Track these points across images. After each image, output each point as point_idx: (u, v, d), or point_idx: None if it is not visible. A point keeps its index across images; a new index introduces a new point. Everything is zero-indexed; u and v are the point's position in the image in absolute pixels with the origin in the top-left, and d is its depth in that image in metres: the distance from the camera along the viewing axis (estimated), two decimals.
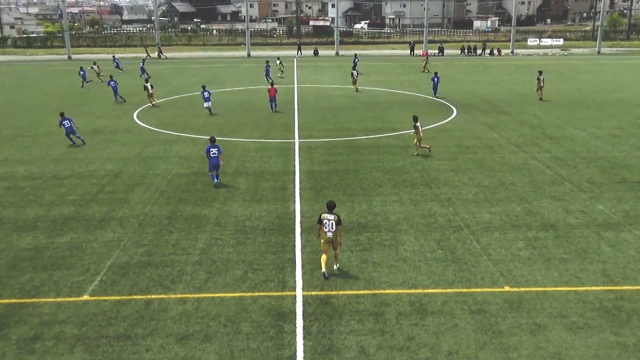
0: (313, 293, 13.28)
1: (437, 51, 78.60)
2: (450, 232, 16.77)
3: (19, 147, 27.45)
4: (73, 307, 12.83)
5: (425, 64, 55.59)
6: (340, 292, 13.30)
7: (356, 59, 56.32)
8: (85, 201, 19.73)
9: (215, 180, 21.11)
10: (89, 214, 18.56)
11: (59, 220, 18.05)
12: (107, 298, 13.20)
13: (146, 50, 74.93)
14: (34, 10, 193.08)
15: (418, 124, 24.73)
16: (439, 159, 24.36)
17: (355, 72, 45.25)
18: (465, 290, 13.37)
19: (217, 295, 13.27)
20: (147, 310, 12.63)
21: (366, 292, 13.33)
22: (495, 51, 79.14)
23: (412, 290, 13.36)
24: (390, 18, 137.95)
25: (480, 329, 11.78)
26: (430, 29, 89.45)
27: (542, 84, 39.31)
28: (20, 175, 22.85)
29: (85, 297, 13.24)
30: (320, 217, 14.09)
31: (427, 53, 70.29)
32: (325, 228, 13.90)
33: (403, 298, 13.03)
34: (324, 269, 13.92)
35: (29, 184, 21.73)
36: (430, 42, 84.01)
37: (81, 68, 50.45)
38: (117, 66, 59.30)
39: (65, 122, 27.33)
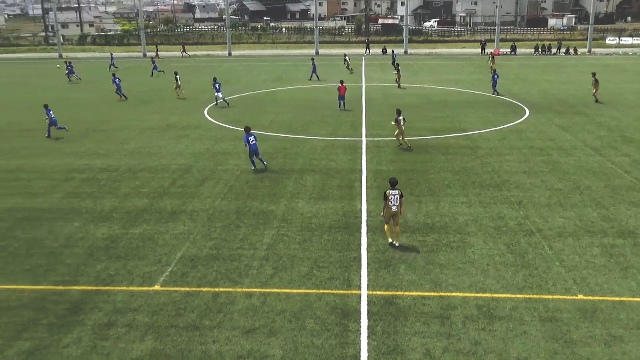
0: (378, 293, 13.21)
1: (509, 50, 76.65)
2: (520, 236, 16.30)
3: (96, 141, 28.60)
4: (145, 296, 13.26)
5: (491, 62, 54.14)
6: (406, 293, 13.17)
7: (395, 55, 56.32)
8: (158, 194, 20.35)
9: (263, 163, 22.98)
10: (161, 206, 19.13)
11: (133, 212, 18.69)
12: (177, 289, 13.57)
13: (156, 49, 75.81)
14: (112, 9, 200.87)
15: (400, 117, 25.61)
16: (510, 161, 23.75)
17: (396, 68, 45.37)
18: (535, 296, 12.97)
19: (283, 290, 13.41)
20: (215, 303, 12.90)
21: (432, 294, 13.15)
22: (571, 50, 76.42)
23: (480, 294, 13.08)
24: (460, 16, 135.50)
25: (551, 337, 11.39)
26: (502, 27, 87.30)
27: (596, 85, 37.47)
28: (97, 167, 23.81)
29: (157, 287, 13.66)
30: (385, 193, 15.49)
31: (498, 52, 68.69)
32: (391, 202, 15.32)
33: (470, 302, 12.77)
34: (390, 240, 15.65)
35: (106, 176, 22.60)
36: (502, 40, 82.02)
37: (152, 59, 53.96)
38: (112, 64, 60.95)
39: (49, 112, 29.48)
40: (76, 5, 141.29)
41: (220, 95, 37.52)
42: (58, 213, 18.69)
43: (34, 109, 38.04)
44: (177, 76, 42.29)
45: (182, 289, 13.58)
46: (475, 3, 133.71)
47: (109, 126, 32.16)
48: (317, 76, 49.88)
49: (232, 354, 11.04)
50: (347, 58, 57.77)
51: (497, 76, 41.27)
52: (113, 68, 59.66)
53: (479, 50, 77.32)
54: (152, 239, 16.50)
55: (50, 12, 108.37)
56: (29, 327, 12.09)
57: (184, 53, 77.93)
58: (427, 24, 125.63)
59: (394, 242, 15.65)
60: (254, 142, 22.58)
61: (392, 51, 61.80)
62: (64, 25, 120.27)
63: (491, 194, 19.78)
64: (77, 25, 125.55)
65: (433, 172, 22.43)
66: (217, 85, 37.48)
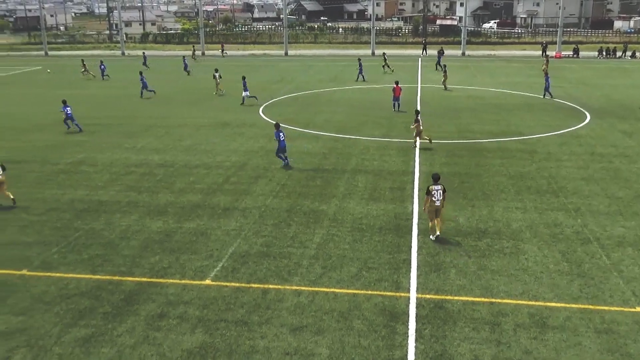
0: (427, 296, 13.09)
1: (571, 52, 74.50)
2: (577, 244, 15.84)
3: (154, 137, 29.35)
4: (196, 290, 13.54)
5: (544, 65, 52.51)
6: (456, 298, 13.00)
7: (440, 56, 55.34)
8: (212, 190, 20.73)
9: (286, 161, 23.41)
10: (215, 202, 19.48)
11: (187, 206, 19.11)
12: (228, 284, 13.79)
13: (193, 48, 75.96)
14: (173, 8, 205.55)
15: (419, 117, 26.44)
16: (568, 167, 23.10)
17: (442, 69, 45.15)
18: (591, 307, 12.58)
19: (331, 290, 13.44)
20: (264, 299, 13.05)
21: (483, 299, 12.93)
22: (637, 54, 73.64)
23: (532, 302, 12.77)
24: (521, 17, 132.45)
25: (607, 349, 11.03)
26: (565, 29, 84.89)
27: None
28: (154, 162, 24.44)
29: (208, 282, 13.92)
30: (428, 188, 15.98)
31: (559, 55, 66.81)
32: (434, 197, 15.81)
33: (522, 309, 12.50)
34: (432, 236, 16.06)
35: (162, 171, 23.18)
36: (564, 43, 79.74)
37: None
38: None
39: (67, 109, 30.43)
40: (139, 4, 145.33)
41: (247, 94, 38.36)
42: (116, 206, 19.29)
43: (97, 104, 39.36)
44: (217, 73, 43.70)
45: (232, 284, 13.80)
46: (538, 4, 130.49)
47: (167, 123, 32.94)
48: (363, 77, 49.68)
49: (279, 350, 11.15)
50: (385, 57, 57.46)
51: (549, 79, 40.28)
52: (144, 67, 60.65)
53: (540, 52, 75.45)
54: (205, 234, 16.83)
55: (114, 11, 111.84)
56: (86, 314, 12.53)
57: (224, 53, 78.94)
58: (486, 25, 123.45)
59: (437, 234, 16.04)
60: (283, 138, 23.15)
61: (437, 52, 60.78)
62: (128, 23, 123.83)
63: (547, 200, 19.28)
64: (140, 24, 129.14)
65: (488, 176, 22.04)
66: (245, 84, 38.51)
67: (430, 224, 16.26)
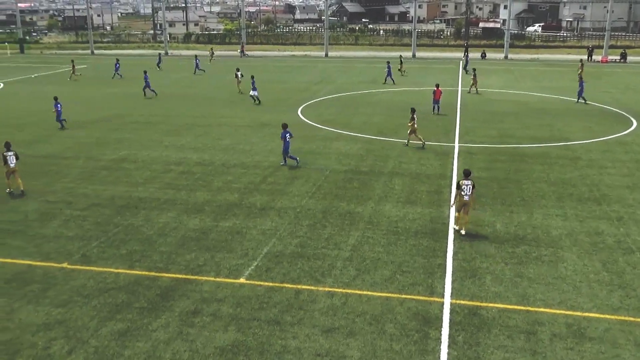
0: (462, 302, 12.93)
1: (618, 57, 72.61)
2: (619, 254, 15.41)
3: (193, 136, 29.75)
4: (230, 288, 13.66)
5: (580, 70, 51.12)
6: (491, 305, 12.80)
7: (468, 59, 54.49)
8: (249, 190, 20.89)
9: (294, 159, 23.71)
10: (251, 202, 19.63)
11: (224, 205, 19.30)
12: (261, 283, 13.87)
13: (211, 50, 75.25)
14: (216, 9, 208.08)
15: (414, 115, 26.56)
16: (612, 174, 22.51)
17: (470, 72, 44.96)
18: (632, 319, 12.22)
19: (365, 293, 13.39)
20: (297, 300, 13.08)
21: (519, 307, 12.70)
22: None
23: (570, 312, 12.48)
24: (567, 21, 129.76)
25: None
26: (612, 34, 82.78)
27: None
28: (193, 161, 24.77)
29: (242, 280, 14.03)
30: (458, 182, 16.56)
31: (606, 59, 65.23)
32: (463, 192, 16.31)
33: (559, 319, 12.23)
34: (457, 227, 16.76)
35: (200, 170, 23.48)
36: (611, 47, 77.80)
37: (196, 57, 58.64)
38: (159, 64, 61.82)
39: (58, 106, 31.53)
40: (183, 5, 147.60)
41: (255, 93, 39.07)
42: (155, 202, 19.63)
43: (139, 103, 40.13)
44: (239, 72, 45.11)
45: (266, 283, 13.88)
46: (584, 7, 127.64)
47: (206, 122, 33.35)
48: (392, 80, 49.41)
49: (311, 351, 11.16)
50: (402, 60, 57.43)
51: (583, 84, 39.57)
52: (157, 68, 60.92)
53: (586, 57, 73.79)
54: (241, 233, 16.97)
55: (159, 11, 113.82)
56: (123, 309, 12.77)
57: (243, 53, 79.33)
58: (530, 28, 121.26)
59: (461, 231, 16.65)
60: (289, 139, 23.50)
61: (466, 55, 59.78)
62: (171, 23, 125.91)
63: (589, 208, 18.83)
64: (183, 24, 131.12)
65: (528, 181, 21.65)
66: (254, 83, 39.42)
67: (456, 214, 16.97)
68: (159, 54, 66.97)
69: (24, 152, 26.32)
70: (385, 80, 49.43)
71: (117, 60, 57.68)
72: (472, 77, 44.41)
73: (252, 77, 40.49)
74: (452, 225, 17.33)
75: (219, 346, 11.34)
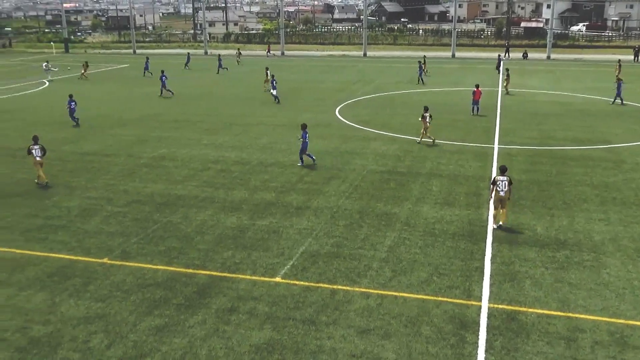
0: (500, 306, 12.71)
1: None
2: None
3: (232, 135, 30.01)
4: (266, 286, 13.72)
5: (617, 71, 49.68)
6: (530, 310, 12.55)
7: (501, 59, 53.82)
8: (286, 189, 20.96)
9: (302, 163, 23.75)
10: (288, 201, 19.69)
11: (261, 204, 19.41)
12: (297, 282, 13.89)
13: (238, 50, 74.72)
14: (255, 9, 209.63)
15: (427, 114, 26.87)
16: None
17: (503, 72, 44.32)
18: None
19: (401, 294, 13.29)
20: (332, 300, 13.06)
21: (559, 313, 12.41)
22: None
23: (613, 320, 12.14)
24: (613, 20, 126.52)
25: None
26: None
27: None
28: (231, 160, 24.98)
29: (278, 279, 14.07)
30: (494, 179, 17.09)
31: None
32: (499, 187, 16.76)
33: (601, 326, 11.91)
34: (494, 225, 16.99)
35: (238, 168, 23.66)
36: None
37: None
38: (187, 63, 62.00)
39: (72, 104, 32.50)
40: (223, 5, 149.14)
41: (274, 92, 39.75)
42: (193, 200, 19.85)
43: (179, 101, 40.67)
44: (268, 71, 45.68)
45: (302, 283, 13.89)
46: (631, 6, 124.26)
47: (245, 121, 33.60)
48: (422, 80, 48.93)
49: (346, 352, 11.12)
50: (425, 60, 56.20)
51: (621, 85, 38.48)
52: (185, 68, 61.50)
53: (632, 57, 71.79)
54: (277, 232, 17.03)
55: (199, 11, 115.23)
56: (160, 304, 12.95)
57: (269, 53, 79.68)
58: (574, 28, 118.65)
59: (500, 224, 17.02)
60: (307, 139, 23.62)
61: (499, 55, 58.53)
62: (211, 23, 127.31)
63: (634, 213, 18.30)
64: (223, 24, 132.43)
65: (570, 185, 21.17)
66: (274, 82, 40.16)
67: (494, 211, 17.22)
68: (188, 53, 67.50)
69: (67, 149, 27.03)
70: (419, 80, 49.00)
71: (147, 58, 58.82)
72: (505, 77, 43.74)
73: (273, 77, 41.42)
74: (491, 224, 17.10)
75: (254, 344, 11.40)
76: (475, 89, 34.88)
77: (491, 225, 17.23)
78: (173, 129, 31.43)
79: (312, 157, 24.02)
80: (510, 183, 16.84)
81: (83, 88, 48.17)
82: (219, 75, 56.92)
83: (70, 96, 33.41)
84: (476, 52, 79.62)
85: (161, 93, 43.43)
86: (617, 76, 45.71)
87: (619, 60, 53.65)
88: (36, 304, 13.05)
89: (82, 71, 55.34)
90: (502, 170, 17.11)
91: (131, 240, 16.57)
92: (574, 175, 22.35)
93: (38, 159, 21.42)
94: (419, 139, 27.51)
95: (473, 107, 34.85)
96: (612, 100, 38.70)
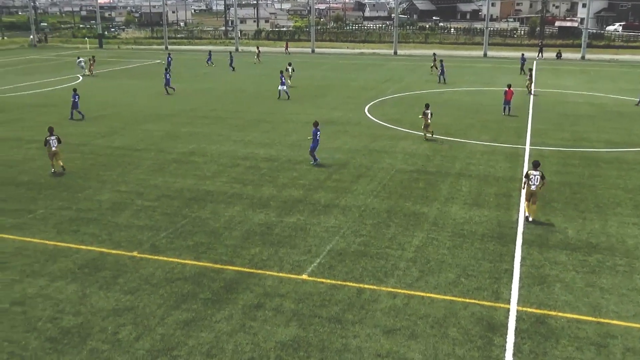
0: (529, 309, 12.53)
1: None
2: None
3: (261, 131, 30.13)
4: (293, 283, 13.75)
5: None
6: (560, 314, 12.35)
7: (524, 59, 53.26)
8: (314, 187, 20.97)
9: (317, 160, 23.60)
10: (316, 198, 19.69)
11: (289, 201, 19.45)
12: (324, 280, 13.89)
13: (257, 49, 74.04)
14: (286, 6, 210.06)
15: (428, 111, 27.72)
16: None
17: (527, 73, 44.13)
18: None
19: (428, 295, 13.19)
20: (359, 299, 13.03)
21: (589, 318, 12.19)
22: None
23: None
24: None
25: None
26: None
27: None
28: (260, 156, 25.09)
29: (304, 277, 14.09)
30: (527, 173, 17.67)
31: None
32: (531, 182, 17.28)
33: (633, 332, 11.66)
34: (527, 214, 17.58)
35: (267, 165, 23.75)
36: None
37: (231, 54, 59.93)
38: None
39: (76, 97, 33.40)
40: (255, 2, 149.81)
41: (284, 88, 40.47)
42: (222, 196, 19.99)
43: (211, 98, 41.00)
44: (290, 67, 46.94)
45: (328, 281, 13.88)
46: None
47: (274, 118, 33.71)
48: (444, 79, 48.49)
49: (371, 351, 11.08)
50: (435, 58, 56.32)
51: None
52: (208, 64, 61.37)
53: None
54: (305, 229, 17.05)
55: (231, 8, 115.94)
56: (188, 299, 13.07)
57: (287, 50, 79.86)
58: (610, 27, 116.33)
59: (529, 217, 17.51)
60: (319, 137, 23.50)
61: (522, 54, 57.27)
62: (242, 20, 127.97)
63: None
64: (254, 21, 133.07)
65: (603, 187, 20.77)
66: (283, 78, 41.03)
67: (525, 203, 17.92)
68: (209, 51, 67.61)
69: (100, 144, 27.45)
70: (439, 79, 48.59)
71: (169, 54, 59.25)
72: (528, 77, 43.12)
73: (281, 72, 42.06)
74: (521, 225, 16.97)
75: (280, 341, 11.43)
76: (507, 89, 34.40)
77: (521, 227, 17.01)
78: (203, 125, 31.69)
79: (314, 159, 23.67)
80: (542, 177, 17.31)
81: (115, 83, 48.88)
82: (249, 71, 57.14)
83: (74, 90, 34.40)
84: (509, 51, 78.57)
85: (166, 91, 43.07)
86: None
87: None
88: (67, 295, 13.29)
89: (90, 66, 54.40)
90: (535, 165, 17.63)
91: (160, 234, 16.77)
92: (607, 178, 21.92)
93: (54, 149, 22.53)
94: (424, 136, 28.03)
95: (504, 107, 34.40)
96: (637, 101, 37.92)
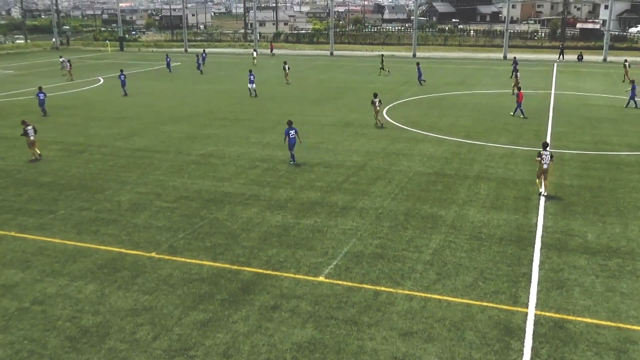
0: (547, 314, 12.41)
1: None
2: None
3: (279, 133, 30.12)
4: (309, 285, 13.77)
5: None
6: (578, 319, 12.22)
7: (516, 61, 52.33)
8: (331, 189, 20.98)
9: (293, 161, 24.16)
10: (333, 201, 19.70)
11: (306, 203, 19.49)
12: (340, 282, 13.89)
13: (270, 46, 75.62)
14: (305, 8, 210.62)
15: (376, 99, 31.25)
16: None
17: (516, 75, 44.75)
18: None
19: (444, 298, 13.13)
20: (375, 301, 13.01)
21: (609, 323, 12.04)
22: None
23: None
24: None
25: None
26: None
27: None
28: (278, 158, 25.16)
29: (321, 279, 14.11)
30: (539, 153, 19.74)
31: None
32: (543, 161, 19.56)
33: None
34: (541, 189, 19.93)
35: (284, 167, 23.81)
36: None
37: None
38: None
39: (41, 95, 35.58)
40: (274, 4, 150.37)
41: (253, 86, 42.84)
42: (240, 198, 20.09)
43: (230, 100, 41.22)
44: (286, 65, 50.57)
45: (345, 283, 13.88)
46: None
47: (293, 120, 33.60)
48: (421, 81, 48.90)
49: (387, 354, 11.06)
50: (382, 58, 58.26)
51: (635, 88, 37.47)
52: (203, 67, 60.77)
53: None
54: (322, 231, 17.07)
55: (250, 11, 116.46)
56: (205, 299, 13.16)
57: (272, 52, 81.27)
58: (633, 29, 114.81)
59: (543, 192, 19.82)
60: (293, 136, 23.92)
61: (514, 58, 56.01)
62: (262, 23, 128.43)
63: None
64: (273, 24, 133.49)
65: (624, 191, 20.51)
66: (251, 77, 43.01)
67: (537, 180, 20.27)
68: (203, 50, 68.16)
69: (120, 145, 27.74)
70: (420, 82, 48.88)
71: (167, 55, 61.74)
72: (513, 77, 43.23)
73: (250, 72, 44.28)
74: (540, 230, 16.81)
75: (296, 342, 11.46)
76: (519, 92, 34.29)
77: (540, 231, 16.87)
78: (222, 127, 31.87)
79: (292, 157, 24.19)
80: (551, 156, 19.64)
81: (136, 85, 49.35)
82: (267, 73, 57.33)
83: (40, 88, 36.48)
84: (529, 53, 77.93)
85: (125, 92, 44.23)
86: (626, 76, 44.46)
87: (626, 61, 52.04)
88: (86, 295, 13.45)
89: (68, 69, 53.41)
90: (544, 146, 19.91)
91: (178, 235, 16.89)
92: (628, 181, 21.64)
93: (32, 138, 24.92)
94: (375, 123, 31.57)
95: (516, 110, 34.24)
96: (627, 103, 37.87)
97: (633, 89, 37.52)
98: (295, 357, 10.99)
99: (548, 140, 28.08)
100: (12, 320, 12.42)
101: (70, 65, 54.39)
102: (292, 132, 23.88)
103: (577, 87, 47.02)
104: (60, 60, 58.38)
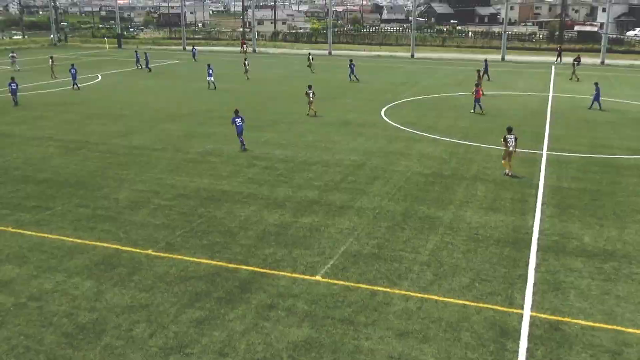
0: (542, 315, 12.45)
1: None
2: None
3: (277, 132, 30.23)
4: (306, 284, 13.78)
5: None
6: (574, 321, 12.26)
7: (487, 63, 52.62)
8: (329, 188, 21.00)
9: (244, 147, 26.06)
10: (331, 200, 19.72)
11: (304, 202, 19.50)
12: (337, 282, 13.91)
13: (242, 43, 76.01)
14: (304, 8, 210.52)
15: (310, 91, 34.29)
16: None
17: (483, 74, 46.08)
18: None
19: (441, 298, 13.16)
20: (372, 301, 13.03)
21: (604, 326, 12.09)
22: None
23: None
24: None
25: None
26: None
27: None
28: (276, 157, 25.17)
29: (318, 278, 14.12)
30: (505, 137, 22.03)
31: None
32: (509, 144, 21.80)
33: None
34: (507, 171, 22.23)
35: (283, 166, 23.82)
36: None
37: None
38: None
39: (12, 85, 37.06)
40: (272, 3, 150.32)
41: (211, 79, 45.38)
42: (237, 196, 20.09)
43: (228, 98, 41.19)
44: (246, 62, 53.43)
45: (342, 282, 13.90)
46: None
47: (291, 119, 33.80)
48: (356, 77, 50.32)
49: (384, 353, 11.08)
50: (310, 57, 60.15)
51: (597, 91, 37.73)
52: (194, 61, 62.73)
53: None
54: (319, 230, 17.09)
55: (249, 10, 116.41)
56: (202, 297, 13.16)
57: (242, 48, 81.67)
58: (630, 32, 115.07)
59: (509, 172, 22.12)
60: (240, 123, 25.83)
61: (485, 60, 55.25)
62: (260, 22, 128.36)
63: None
64: (271, 22, 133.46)
65: (622, 195, 20.56)
66: (210, 70, 45.61)
67: (503, 161, 22.43)
68: (193, 47, 68.75)
69: (118, 143, 27.71)
70: (350, 78, 50.53)
71: (136, 51, 62.69)
72: (477, 76, 43.85)
73: (209, 65, 46.65)
74: (536, 232, 16.84)
75: (292, 341, 11.47)
76: (477, 88, 35.91)
77: (537, 233, 16.91)
78: (219, 125, 31.84)
79: (242, 143, 26.07)
80: (516, 139, 21.83)
81: (135, 83, 49.30)
82: (265, 72, 57.31)
83: (12, 78, 38.05)
84: (527, 55, 78.07)
85: (75, 85, 45.20)
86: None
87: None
88: (83, 291, 13.44)
89: (50, 64, 52.77)
90: (509, 130, 22.25)
91: (176, 233, 16.89)
92: (627, 185, 21.70)
93: None
94: (308, 112, 34.28)
95: (475, 106, 35.73)
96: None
97: (597, 90, 37.64)
98: (292, 356, 11.00)
99: (546, 143, 28.19)
100: (9, 316, 12.41)
101: (52, 61, 53.65)
102: (239, 120, 25.75)
103: (575, 89, 47.11)
104: (10, 55, 58.86)
